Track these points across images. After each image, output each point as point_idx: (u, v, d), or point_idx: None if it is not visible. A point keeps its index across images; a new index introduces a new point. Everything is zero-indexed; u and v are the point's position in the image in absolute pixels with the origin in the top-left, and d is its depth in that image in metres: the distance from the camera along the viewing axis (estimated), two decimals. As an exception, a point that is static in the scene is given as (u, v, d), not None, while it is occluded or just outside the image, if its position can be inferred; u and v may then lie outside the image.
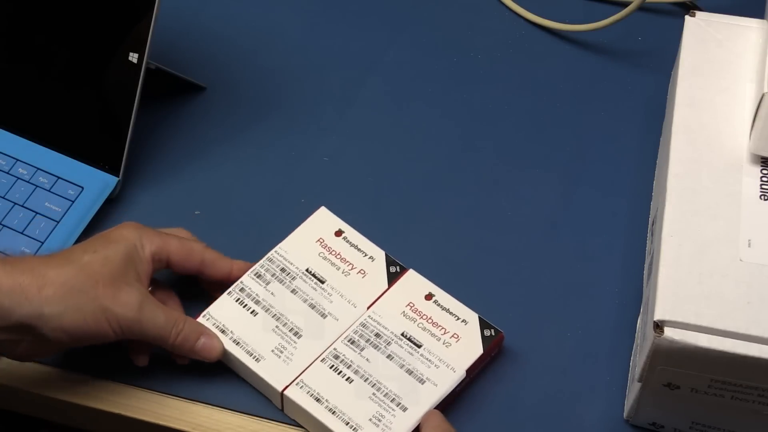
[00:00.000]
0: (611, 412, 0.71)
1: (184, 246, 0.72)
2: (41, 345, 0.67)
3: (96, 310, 0.66)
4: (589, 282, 0.77)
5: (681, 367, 0.63)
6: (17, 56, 0.83)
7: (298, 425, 0.70)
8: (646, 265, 0.75)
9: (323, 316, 0.72)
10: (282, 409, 0.70)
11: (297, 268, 0.74)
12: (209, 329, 0.71)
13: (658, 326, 0.62)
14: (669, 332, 0.62)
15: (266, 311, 0.72)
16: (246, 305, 0.72)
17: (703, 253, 0.65)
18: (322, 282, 0.73)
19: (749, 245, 0.66)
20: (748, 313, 0.62)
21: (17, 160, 0.81)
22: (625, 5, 0.89)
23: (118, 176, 0.80)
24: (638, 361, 0.66)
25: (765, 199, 0.68)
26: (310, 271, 0.74)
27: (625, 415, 0.70)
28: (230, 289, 0.73)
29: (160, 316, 0.69)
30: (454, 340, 0.71)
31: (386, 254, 0.75)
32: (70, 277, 0.66)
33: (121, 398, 0.71)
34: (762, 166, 0.70)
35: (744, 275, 0.64)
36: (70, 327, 0.66)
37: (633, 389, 0.68)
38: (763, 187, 0.69)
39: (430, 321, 0.72)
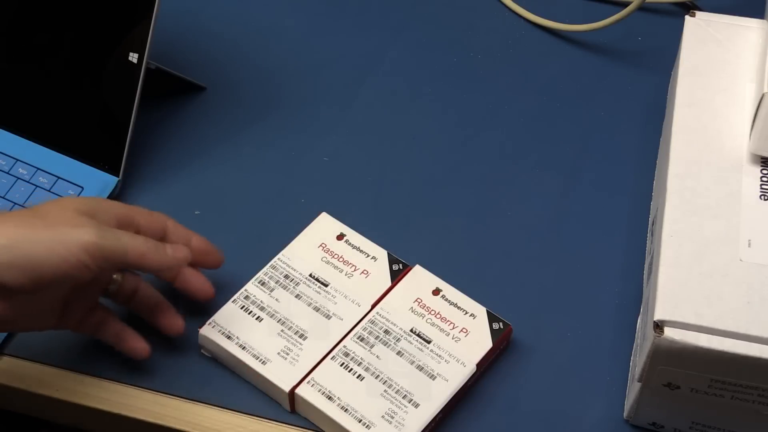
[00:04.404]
0: (611, 412, 0.71)
1: (150, 213, 0.71)
2: (6, 302, 0.63)
3: (52, 240, 0.62)
4: (589, 282, 0.77)
5: (681, 367, 0.63)
6: (17, 56, 0.83)
7: (300, 425, 0.70)
8: (646, 265, 0.75)
9: (328, 317, 0.72)
10: (290, 411, 0.70)
11: (300, 274, 0.74)
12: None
13: (658, 326, 0.62)
14: (669, 332, 0.62)
15: (271, 317, 0.72)
16: (251, 312, 0.72)
17: (703, 253, 0.65)
18: (326, 285, 0.73)
19: (749, 245, 0.66)
20: (748, 313, 0.62)
21: (17, 160, 0.81)
22: (625, 5, 0.89)
23: (118, 176, 0.80)
24: (638, 361, 0.66)
25: (765, 199, 0.68)
26: (314, 276, 0.74)
27: (625, 415, 0.70)
28: (235, 297, 0.73)
29: (125, 235, 0.66)
30: (463, 334, 0.71)
31: (388, 253, 0.75)
32: (13, 225, 0.63)
33: (121, 398, 0.71)
34: (762, 166, 0.70)
35: (744, 275, 0.64)
36: (23, 262, 0.61)
37: (633, 389, 0.68)
38: (763, 187, 0.69)
39: (438, 316, 0.72)
